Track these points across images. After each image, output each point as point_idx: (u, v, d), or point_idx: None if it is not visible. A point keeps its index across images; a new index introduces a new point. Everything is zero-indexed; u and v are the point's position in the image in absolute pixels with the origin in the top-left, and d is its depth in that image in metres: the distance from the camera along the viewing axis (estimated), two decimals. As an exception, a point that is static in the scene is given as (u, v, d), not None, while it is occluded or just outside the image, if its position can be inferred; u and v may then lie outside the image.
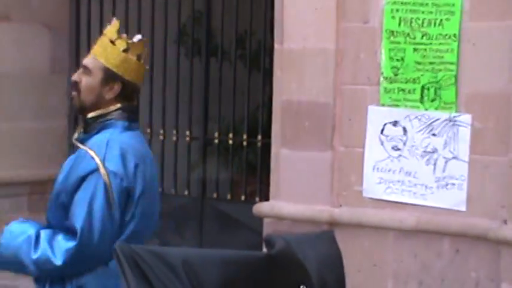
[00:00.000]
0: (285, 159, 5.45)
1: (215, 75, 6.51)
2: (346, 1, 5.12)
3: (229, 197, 6.43)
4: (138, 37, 3.29)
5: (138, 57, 3.26)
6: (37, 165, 6.62)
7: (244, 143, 6.38)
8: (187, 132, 6.60)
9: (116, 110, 3.23)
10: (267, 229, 5.49)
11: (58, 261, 3.08)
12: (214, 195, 6.48)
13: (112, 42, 3.24)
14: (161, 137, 6.67)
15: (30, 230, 3.16)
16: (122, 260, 2.33)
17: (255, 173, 6.27)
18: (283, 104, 5.45)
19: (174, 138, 6.64)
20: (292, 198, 5.41)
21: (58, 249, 3.08)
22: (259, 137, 6.22)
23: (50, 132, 6.69)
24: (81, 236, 3.06)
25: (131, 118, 3.26)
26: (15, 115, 6.51)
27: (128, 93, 3.25)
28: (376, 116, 5.11)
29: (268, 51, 6.02)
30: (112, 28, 3.29)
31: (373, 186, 5.14)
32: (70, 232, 3.08)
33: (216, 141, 6.55)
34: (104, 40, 3.26)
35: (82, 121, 3.28)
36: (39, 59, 6.65)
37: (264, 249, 2.68)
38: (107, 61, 3.22)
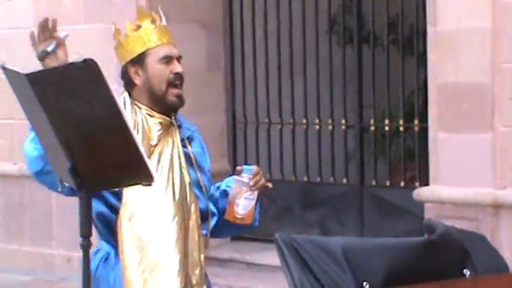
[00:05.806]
0: (443, 143, 5.35)
1: (368, 62, 6.46)
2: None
3: (388, 183, 6.38)
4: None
5: None
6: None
7: (401, 129, 6.31)
8: (343, 121, 6.59)
9: None
10: (428, 214, 5.41)
11: None
12: (373, 182, 6.44)
13: None
14: (317, 127, 6.69)
15: None
16: (283, 248, 2.37)
17: (413, 158, 6.19)
18: (439, 86, 5.35)
19: (330, 127, 6.65)
20: (452, 182, 5.31)
21: None
22: (416, 122, 6.14)
23: (208, 129, 6.83)
24: None
25: None
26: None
27: None
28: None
29: (421, 34, 5.93)
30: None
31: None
32: None
33: (372, 128, 6.51)
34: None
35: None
36: (195, 57, 6.79)
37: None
38: None
